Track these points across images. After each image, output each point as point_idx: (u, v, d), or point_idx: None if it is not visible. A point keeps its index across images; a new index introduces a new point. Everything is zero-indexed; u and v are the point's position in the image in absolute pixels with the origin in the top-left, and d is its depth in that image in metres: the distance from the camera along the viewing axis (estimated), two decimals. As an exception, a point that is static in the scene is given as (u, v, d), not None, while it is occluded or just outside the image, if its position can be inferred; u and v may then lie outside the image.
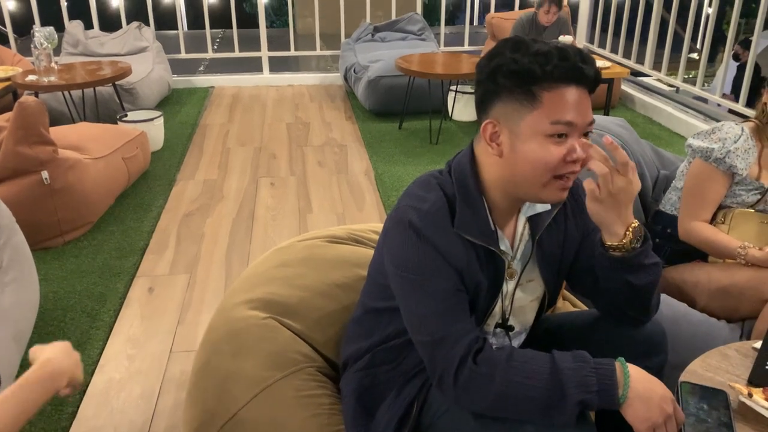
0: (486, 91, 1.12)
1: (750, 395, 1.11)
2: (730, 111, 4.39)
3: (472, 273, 1.14)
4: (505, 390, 1.05)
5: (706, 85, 4.88)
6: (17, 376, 1.13)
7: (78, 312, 2.39)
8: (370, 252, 1.57)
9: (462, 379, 1.08)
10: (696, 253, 1.88)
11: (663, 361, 1.26)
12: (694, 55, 5.95)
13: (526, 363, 1.07)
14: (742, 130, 1.79)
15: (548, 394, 1.04)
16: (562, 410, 1.04)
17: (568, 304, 1.84)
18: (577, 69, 1.06)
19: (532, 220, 1.23)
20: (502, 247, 1.19)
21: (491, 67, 1.10)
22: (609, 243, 1.15)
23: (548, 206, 1.22)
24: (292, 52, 6.17)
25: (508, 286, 1.23)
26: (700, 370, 1.23)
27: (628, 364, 1.08)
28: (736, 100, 4.16)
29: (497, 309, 1.23)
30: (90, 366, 2.09)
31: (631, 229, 1.13)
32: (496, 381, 1.06)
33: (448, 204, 1.14)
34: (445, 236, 1.12)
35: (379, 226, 1.76)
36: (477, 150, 1.18)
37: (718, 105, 4.58)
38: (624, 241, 1.13)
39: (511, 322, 1.27)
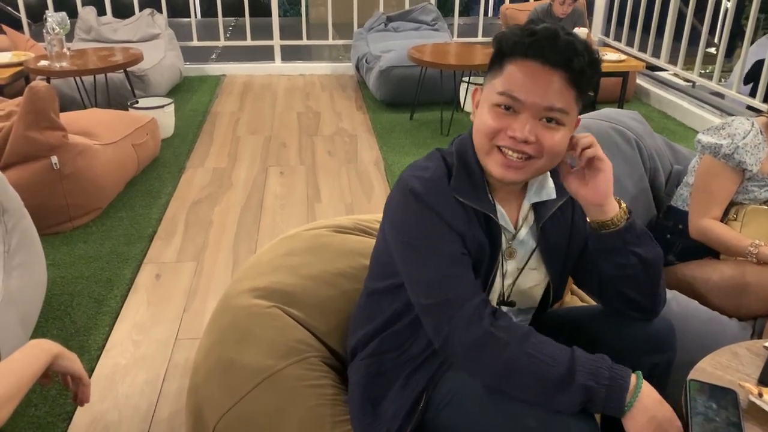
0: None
1: (760, 395, 1.09)
2: (748, 107, 4.32)
3: (474, 235, 1.15)
4: (516, 360, 1.05)
5: (723, 80, 4.80)
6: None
7: (85, 297, 2.39)
8: (376, 242, 1.56)
9: (473, 341, 1.07)
10: (707, 250, 1.85)
11: (671, 359, 1.24)
12: (712, 50, 5.85)
13: (542, 343, 1.07)
14: (753, 125, 1.75)
15: (557, 373, 1.03)
16: (567, 392, 1.02)
17: (576, 298, 1.81)
18: (540, 46, 1.06)
19: (538, 207, 1.23)
20: (501, 222, 1.19)
21: (493, 41, 1.15)
22: (610, 218, 1.15)
23: (553, 195, 1.22)
24: (305, 41, 6.15)
25: (508, 266, 1.23)
26: (709, 368, 1.21)
27: (644, 381, 1.06)
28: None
29: (497, 286, 1.22)
30: (96, 351, 2.10)
31: (620, 203, 1.18)
32: (509, 349, 1.05)
33: (447, 171, 1.16)
34: (446, 201, 1.13)
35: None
36: None
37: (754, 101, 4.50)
38: (621, 209, 1.16)
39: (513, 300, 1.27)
